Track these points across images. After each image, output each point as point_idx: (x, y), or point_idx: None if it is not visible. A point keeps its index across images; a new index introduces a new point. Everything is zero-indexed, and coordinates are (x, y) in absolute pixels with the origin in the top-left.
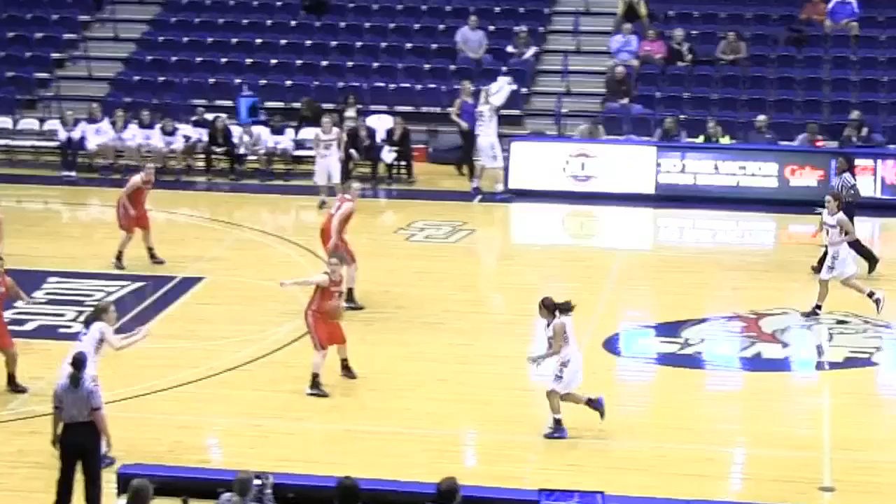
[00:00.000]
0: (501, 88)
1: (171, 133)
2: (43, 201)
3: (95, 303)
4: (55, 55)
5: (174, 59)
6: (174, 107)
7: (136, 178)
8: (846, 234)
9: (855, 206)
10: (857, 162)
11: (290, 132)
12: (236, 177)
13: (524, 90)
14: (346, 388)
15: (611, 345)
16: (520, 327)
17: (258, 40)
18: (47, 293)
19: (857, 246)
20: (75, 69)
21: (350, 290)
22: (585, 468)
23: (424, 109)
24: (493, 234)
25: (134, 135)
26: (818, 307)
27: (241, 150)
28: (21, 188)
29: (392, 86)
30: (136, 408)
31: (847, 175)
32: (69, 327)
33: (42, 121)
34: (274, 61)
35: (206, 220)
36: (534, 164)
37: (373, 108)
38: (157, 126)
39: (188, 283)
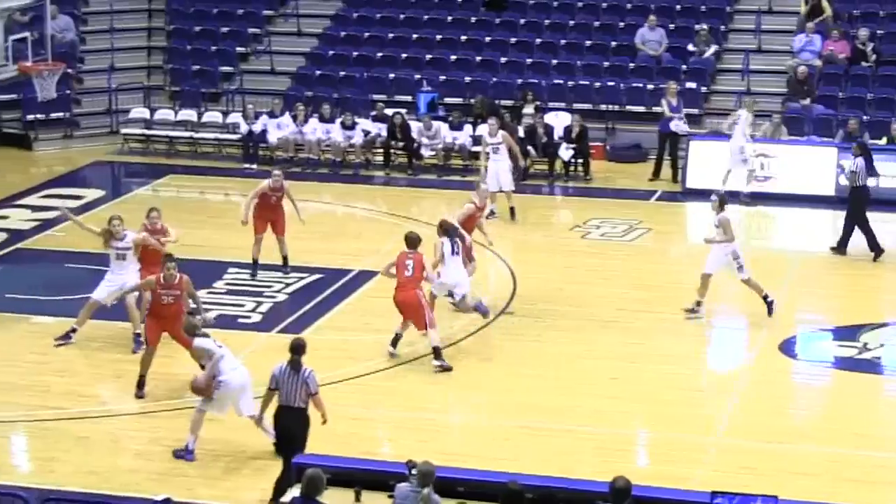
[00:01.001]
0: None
1: (351, 127)
2: (224, 193)
3: (274, 294)
4: (239, 49)
5: (355, 54)
6: (354, 101)
7: (264, 184)
8: (728, 236)
9: (866, 192)
10: None
11: (468, 128)
12: (414, 172)
13: (704, 89)
14: (519, 385)
15: (787, 347)
16: (692, 327)
17: (438, 36)
18: (227, 283)
19: (867, 233)
20: (258, 63)
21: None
22: (758, 471)
23: (603, 107)
24: (670, 233)
25: (314, 129)
26: (768, 300)
27: (420, 139)
28: (204, 180)
29: (570, 83)
30: None
31: (860, 160)
32: (248, 318)
33: (225, 114)
34: (453, 57)
35: (384, 215)
36: (712, 163)
37: (551, 105)
38: (338, 120)
39: (365, 276)
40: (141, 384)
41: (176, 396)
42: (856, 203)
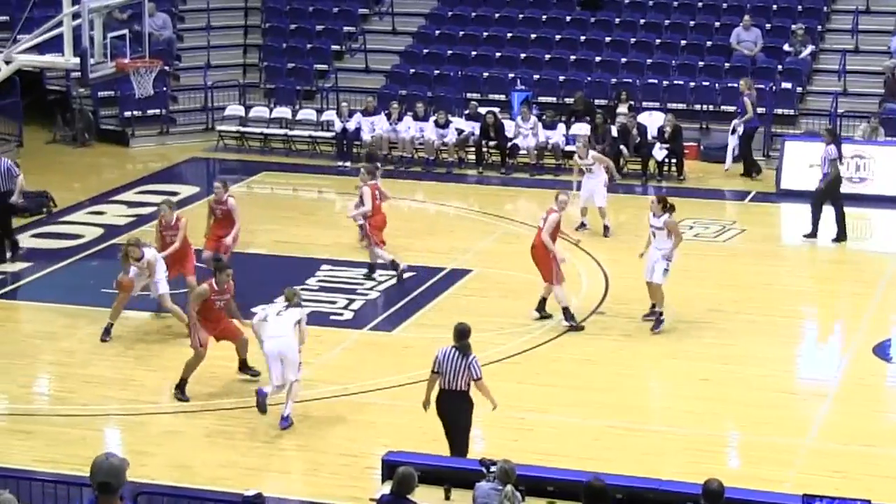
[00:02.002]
0: None
1: (445, 126)
2: (318, 190)
3: (366, 292)
4: (334, 47)
5: (449, 52)
6: (448, 100)
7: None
8: (676, 237)
9: (838, 180)
10: None
11: (561, 127)
12: (507, 170)
13: (799, 89)
14: (609, 384)
15: (881, 350)
16: (785, 329)
17: (533, 35)
18: (320, 280)
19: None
20: (353, 61)
21: (543, 300)
22: (850, 475)
23: (697, 107)
24: (763, 234)
25: (408, 127)
26: (657, 310)
27: (517, 131)
28: (297, 177)
29: (665, 82)
30: (401, 396)
31: (832, 147)
32: (340, 315)
33: (319, 112)
34: (548, 56)
35: (476, 213)
36: (807, 164)
37: (645, 104)
38: (431, 119)
39: (456, 274)
40: (182, 386)
41: (270, 392)
42: (831, 188)
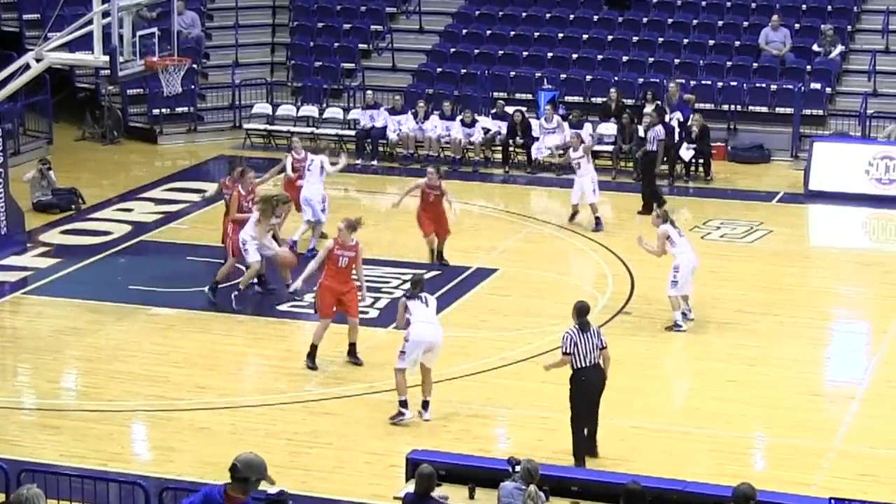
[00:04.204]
0: None
1: (471, 125)
2: (343, 189)
3: (392, 290)
4: (361, 46)
5: (476, 51)
6: (474, 99)
7: (421, 181)
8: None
9: (655, 155)
10: None
11: (588, 126)
12: (533, 170)
13: (828, 90)
14: (634, 385)
15: None
16: (813, 331)
17: (560, 34)
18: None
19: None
20: (380, 60)
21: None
22: (879, 478)
23: (725, 107)
24: (791, 235)
25: (434, 126)
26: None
27: (541, 133)
28: None
29: (692, 82)
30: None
31: (659, 128)
32: (365, 313)
33: (346, 110)
34: (575, 56)
35: (502, 212)
36: (835, 165)
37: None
38: (458, 118)
39: (482, 273)
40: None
41: (294, 389)
42: (646, 167)
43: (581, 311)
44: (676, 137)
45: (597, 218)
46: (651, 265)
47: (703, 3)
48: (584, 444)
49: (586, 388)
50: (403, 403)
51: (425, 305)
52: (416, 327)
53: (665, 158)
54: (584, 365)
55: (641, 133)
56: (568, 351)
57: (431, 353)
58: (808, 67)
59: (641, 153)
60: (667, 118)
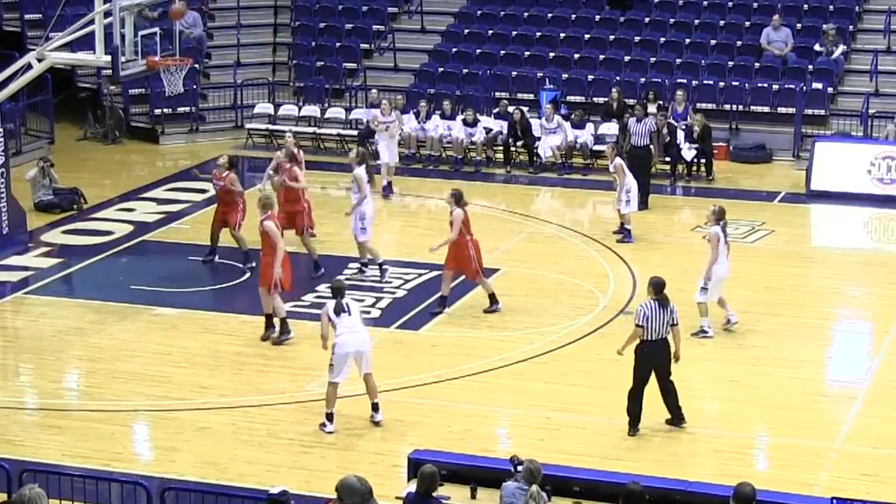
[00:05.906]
0: None
1: (473, 125)
2: (346, 188)
3: (393, 290)
4: (363, 46)
5: (478, 51)
6: (476, 99)
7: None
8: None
9: (647, 150)
10: None
11: (590, 126)
12: (535, 170)
13: (830, 90)
14: None
15: None
16: (815, 331)
17: (562, 34)
18: (347, 279)
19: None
20: (382, 60)
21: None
22: (881, 478)
23: (727, 107)
24: (792, 235)
25: (436, 125)
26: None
27: (542, 134)
28: (326, 175)
29: (694, 82)
30: (427, 394)
31: (650, 119)
32: (367, 313)
33: (348, 110)
34: (577, 56)
35: (504, 212)
36: (837, 165)
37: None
38: (459, 118)
39: (484, 273)
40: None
41: (295, 389)
42: (639, 161)
43: (658, 286)
44: (678, 138)
45: (389, 182)
46: (653, 265)
47: (705, 3)
48: (639, 412)
49: (650, 361)
50: (329, 416)
51: (348, 314)
52: (340, 339)
53: (667, 158)
54: (652, 338)
55: (631, 128)
56: (640, 323)
57: (362, 359)
58: (810, 67)
59: (628, 147)
60: (668, 119)
